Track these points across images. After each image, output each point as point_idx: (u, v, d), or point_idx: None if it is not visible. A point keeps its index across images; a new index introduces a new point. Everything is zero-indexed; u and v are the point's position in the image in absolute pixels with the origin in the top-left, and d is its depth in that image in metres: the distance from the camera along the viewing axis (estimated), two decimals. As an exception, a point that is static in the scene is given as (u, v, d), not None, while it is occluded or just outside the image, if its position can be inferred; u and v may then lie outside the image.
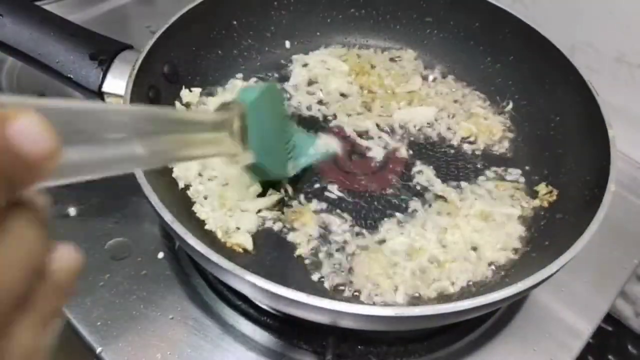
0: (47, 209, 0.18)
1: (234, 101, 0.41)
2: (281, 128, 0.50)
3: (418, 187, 0.55)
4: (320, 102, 0.62)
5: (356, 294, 0.46)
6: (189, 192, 0.51)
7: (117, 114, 0.25)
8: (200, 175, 0.52)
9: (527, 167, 0.58)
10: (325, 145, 0.56)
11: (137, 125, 0.26)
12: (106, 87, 0.50)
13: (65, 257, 0.19)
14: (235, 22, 0.63)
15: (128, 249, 0.52)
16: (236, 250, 0.48)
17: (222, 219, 0.49)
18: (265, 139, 0.44)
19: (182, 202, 0.50)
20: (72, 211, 0.55)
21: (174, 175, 0.52)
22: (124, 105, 0.26)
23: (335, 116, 0.61)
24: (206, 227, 0.49)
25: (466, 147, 0.60)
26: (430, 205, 0.53)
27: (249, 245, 0.48)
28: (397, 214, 0.52)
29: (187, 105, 0.57)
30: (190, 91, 0.58)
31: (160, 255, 0.52)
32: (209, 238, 0.48)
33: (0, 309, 0.16)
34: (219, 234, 0.49)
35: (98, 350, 0.45)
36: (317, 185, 0.54)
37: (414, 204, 0.53)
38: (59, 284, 0.18)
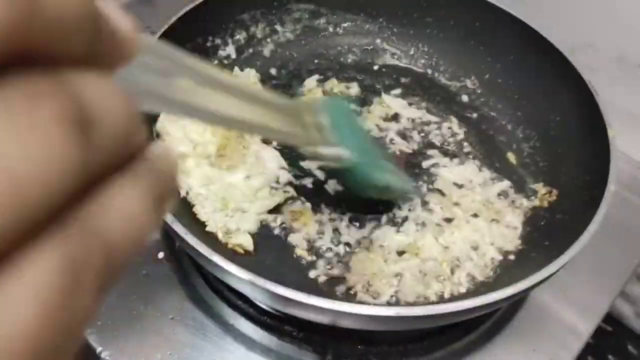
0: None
1: (299, 101, 0.41)
2: (366, 138, 0.46)
3: (418, 186, 0.55)
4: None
5: (352, 292, 0.46)
6: (188, 196, 0.51)
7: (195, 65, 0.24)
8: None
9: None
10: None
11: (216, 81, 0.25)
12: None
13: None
14: (232, 25, 0.63)
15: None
16: (237, 250, 0.48)
17: (223, 220, 0.49)
18: (353, 140, 0.42)
19: (182, 204, 0.50)
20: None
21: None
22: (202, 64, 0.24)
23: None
24: (207, 228, 0.49)
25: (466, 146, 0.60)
26: (430, 204, 0.53)
27: (250, 246, 0.48)
28: (397, 212, 0.52)
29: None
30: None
31: (161, 255, 0.52)
32: (210, 239, 0.48)
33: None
34: (220, 235, 0.49)
35: (98, 350, 0.45)
36: (317, 186, 0.54)
37: (414, 202, 0.53)
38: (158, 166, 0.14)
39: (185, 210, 0.49)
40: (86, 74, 0.11)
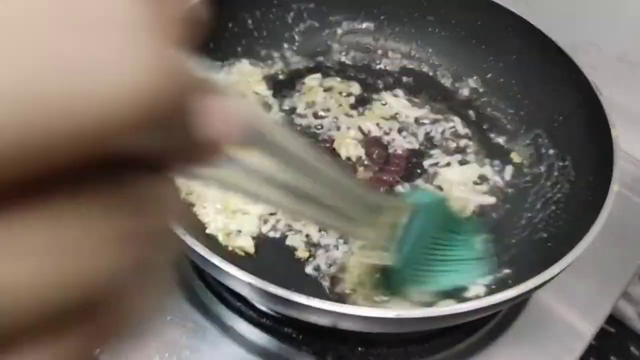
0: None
1: (401, 199, 0.38)
2: (435, 242, 0.41)
3: (418, 186, 0.54)
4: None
5: (352, 294, 0.46)
6: (190, 197, 0.51)
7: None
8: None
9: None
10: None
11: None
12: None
13: None
14: (231, 25, 0.62)
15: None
16: (237, 253, 0.48)
17: (224, 222, 0.49)
18: (414, 248, 0.38)
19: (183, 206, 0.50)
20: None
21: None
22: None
23: (336, 118, 0.60)
24: (207, 230, 0.48)
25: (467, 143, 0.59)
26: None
27: (251, 249, 0.48)
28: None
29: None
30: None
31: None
32: (210, 241, 0.48)
33: None
34: (220, 238, 0.48)
35: (96, 352, 0.45)
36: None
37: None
38: None
39: (186, 212, 0.49)
40: (151, 184, 0.12)
